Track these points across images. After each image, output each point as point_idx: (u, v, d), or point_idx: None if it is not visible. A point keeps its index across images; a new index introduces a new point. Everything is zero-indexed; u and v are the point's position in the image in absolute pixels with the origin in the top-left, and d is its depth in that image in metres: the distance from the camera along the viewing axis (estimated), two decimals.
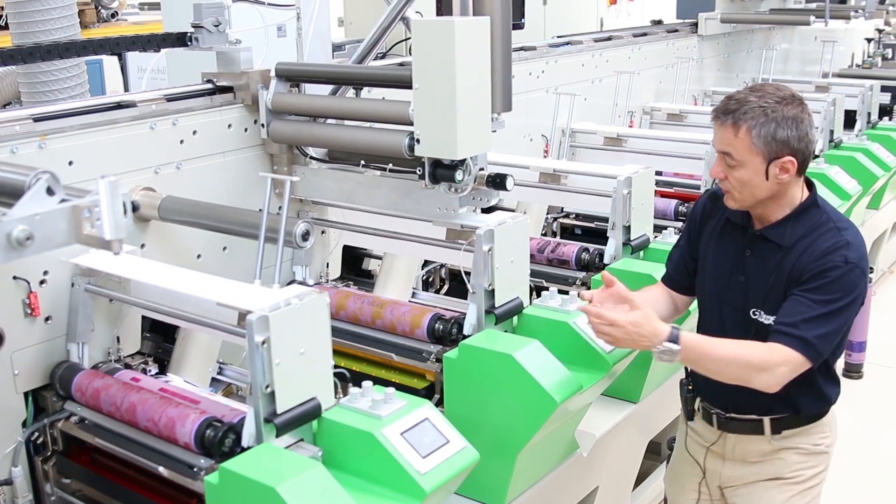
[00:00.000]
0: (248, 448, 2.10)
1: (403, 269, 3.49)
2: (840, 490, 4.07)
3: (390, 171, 2.95)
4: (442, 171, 2.71)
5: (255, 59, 3.22)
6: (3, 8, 4.72)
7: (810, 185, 2.44)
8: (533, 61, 4.66)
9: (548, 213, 4.43)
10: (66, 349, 2.62)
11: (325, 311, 2.17)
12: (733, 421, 2.50)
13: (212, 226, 2.77)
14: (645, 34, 5.78)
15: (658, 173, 3.62)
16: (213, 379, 2.81)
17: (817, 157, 5.26)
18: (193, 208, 2.80)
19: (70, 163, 2.63)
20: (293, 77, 3.17)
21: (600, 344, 2.68)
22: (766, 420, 2.45)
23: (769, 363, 2.24)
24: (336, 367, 2.26)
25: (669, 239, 3.55)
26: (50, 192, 1.67)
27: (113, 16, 8.64)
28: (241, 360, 2.73)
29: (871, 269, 5.30)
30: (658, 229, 3.65)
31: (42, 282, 2.56)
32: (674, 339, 2.26)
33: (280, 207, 2.64)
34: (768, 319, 2.34)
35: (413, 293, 3.55)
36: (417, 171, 2.75)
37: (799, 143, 2.29)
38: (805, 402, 2.43)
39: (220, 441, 2.17)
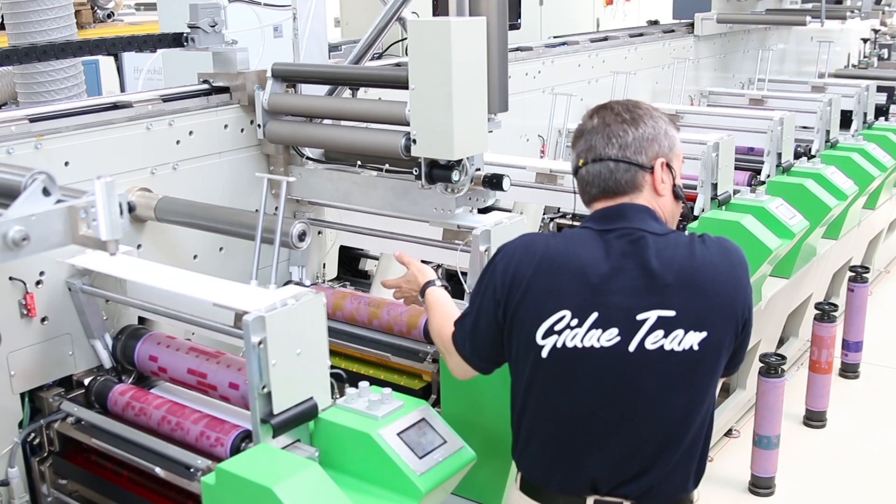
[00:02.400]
0: None
1: (400, 269, 3.49)
2: (838, 490, 4.08)
3: (387, 171, 2.96)
4: (438, 172, 2.71)
5: (251, 59, 3.22)
6: None
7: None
8: (529, 61, 4.66)
9: (544, 214, 4.44)
10: (68, 352, 2.63)
11: (321, 311, 2.17)
12: None
13: (208, 226, 2.77)
14: (641, 34, 5.79)
15: None
16: None
17: (813, 157, 5.27)
18: (190, 209, 2.80)
19: (66, 163, 2.63)
20: (289, 77, 3.17)
21: None
22: None
23: (439, 342, 2.26)
24: (333, 367, 2.26)
25: None
26: (46, 192, 1.66)
27: (109, 16, 8.62)
28: None
29: (867, 269, 5.30)
30: None
31: (38, 282, 2.56)
32: (422, 291, 2.41)
33: (276, 208, 2.64)
34: None
35: None
36: (414, 172, 2.75)
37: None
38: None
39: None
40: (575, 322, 1.90)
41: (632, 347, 1.89)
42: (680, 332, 1.89)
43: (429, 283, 2.41)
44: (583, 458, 1.99)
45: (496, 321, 2.02)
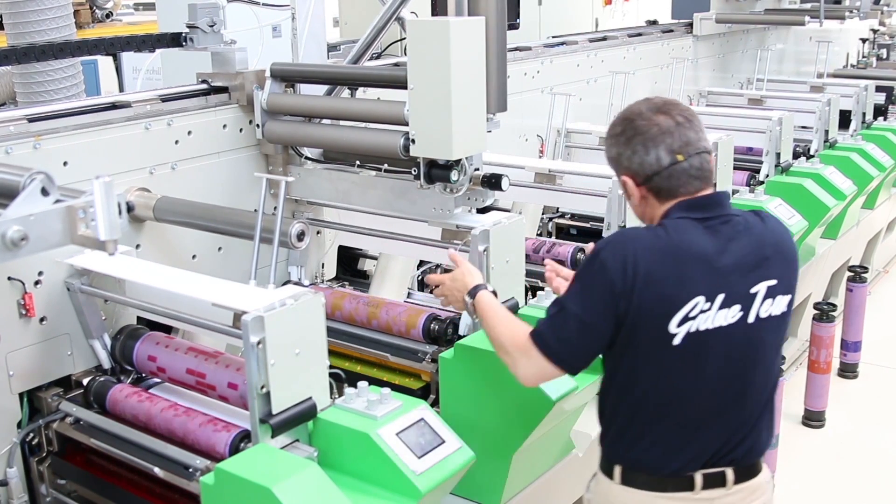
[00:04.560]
0: None
1: (399, 269, 3.50)
2: (836, 489, 4.08)
3: (385, 171, 2.96)
4: (437, 172, 2.71)
5: (250, 59, 3.22)
6: None
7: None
8: (528, 61, 4.66)
9: (543, 214, 4.44)
10: (66, 352, 2.63)
11: (320, 311, 2.17)
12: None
13: (207, 226, 2.77)
14: (640, 34, 5.79)
15: None
16: None
17: (812, 157, 5.27)
18: (189, 209, 2.80)
19: (65, 163, 2.63)
20: (288, 77, 3.17)
21: None
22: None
23: (510, 346, 2.12)
24: (331, 367, 2.26)
25: None
26: (45, 192, 1.67)
27: (108, 16, 8.60)
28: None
29: (866, 268, 5.30)
30: None
31: (37, 282, 2.56)
32: (472, 294, 2.28)
33: (275, 208, 2.64)
34: None
35: (408, 293, 3.55)
36: (413, 172, 2.75)
37: (629, 162, 2.10)
38: None
39: None
40: (707, 306, 2.01)
41: (750, 319, 2.06)
42: (779, 297, 2.10)
43: (479, 287, 2.31)
44: (705, 435, 2.10)
45: (611, 317, 2.02)
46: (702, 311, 2.00)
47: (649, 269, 1.99)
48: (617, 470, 2.15)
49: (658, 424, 2.10)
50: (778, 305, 2.09)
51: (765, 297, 2.07)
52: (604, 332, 2.03)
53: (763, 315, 2.07)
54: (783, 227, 2.20)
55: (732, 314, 2.04)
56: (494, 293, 2.31)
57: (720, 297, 2.01)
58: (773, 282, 2.08)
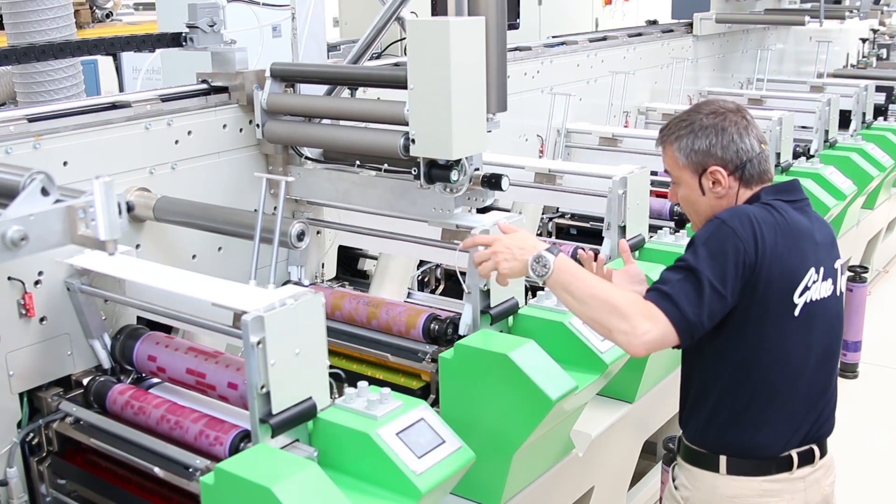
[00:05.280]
0: None
1: (399, 269, 3.50)
2: (836, 489, 4.08)
3: (385, 171, 2.95)
4: (437, 172, 2.71)
5: (250, 59, 3.21)
6: None
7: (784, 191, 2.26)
8: (528, 61, 4.66)
9: (543, 214, 4.44)
10: (66, 351, 2.63)
11: (320, 311, 2.17)
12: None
13: (207, 226, 2.77)
14: (640, 34, 5.79)
15: (653, 173, 3.63)
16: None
17: (812, 157, 5.27)
18: (189, 209, 2.80)
19: (65, 163, 2.63)
20: (288, 77, 3.17)
21: (596, 344, 2.68)
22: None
23: (630, 308, 1.99)
24: (331, 367, 2.26)
25: (665, 239, 3.55)
26: (44, 192, 1.66)
27: (108, 16, 8.60)
28: None
29: (866, 268, 5.31)
30: (653, 229, 3.65)
31: (37, 282, 2.55)
32: (537, 257, 2.09)
33: (275, 208, 2.64)
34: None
35: (408, 293, 3.55)
36: (413, 172, 2.75)
37: (724, 152, 2.20)
38: None
39: None
40: (817, 277, 2.14)
41: (838, 293, 2.23)
42: (843, 275, 2.27)
43: (550, 250, 2.11)
44: (807, 411, 2.18)
45: (740, 287, 2.05)
46: (813, 283, 2.13)
47: (773, 241, 2.08)
48: (723, 461, 2.17)
49: (774, 402, 2.14)
50: (843, 281, 2.27)
51: (840, 273, 2.24)
52: (730, 303, 2.04)
53: (841, 289, 2.24)
54: None
55: (827, 287, 2.17)
56: None
57: (821, 270, 2.15)
58: (842, 260, 2.26)
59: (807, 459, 2.19)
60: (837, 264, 2.24)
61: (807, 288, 2.12)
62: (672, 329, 1.99)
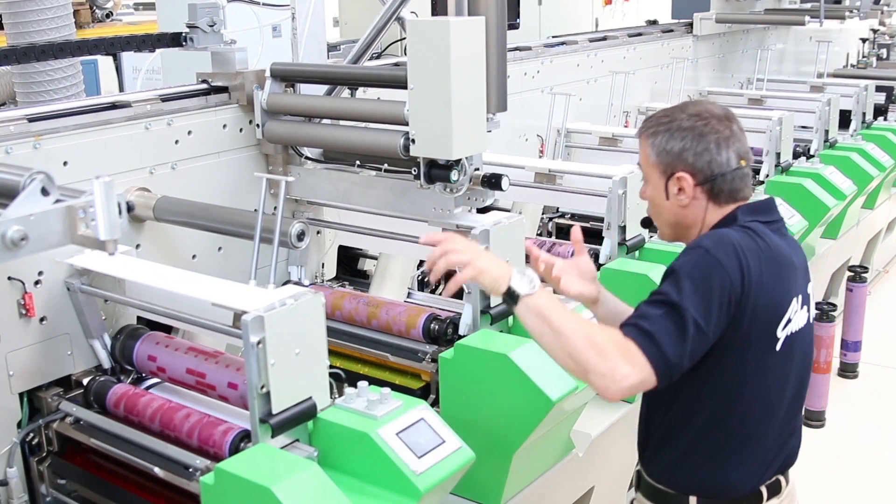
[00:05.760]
0: None
1: (399, 269, 3.50)
2: (835, 489, 4.08)
3: (385, 171, 2.96)
4: (437, 172, 2.71)
5: (250, 59, 3.21)
6: None
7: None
8: (528, 61, 4.66)
9: (543, 213, 4.44)
10: (66, 351, 2.63)
11: (320, 311, 2.17)
12: None
13: (207, 226, 2.77)
14: (640, 34, 5.79)
15: None
16: None
17: (812, 156, 5.27)
18: (189, 209, 2.80)
19: (65, 163, 2.63)
20: (288, 77, 3.17)
21: None
22: None
23: (611, 348, 1.81)
24: (331, 367, 2.26)
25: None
26: (45, 192, 1.67)
27: (108, 16, 8.60)
28: None
29: (866, 268, 5.31)
30: (653, 229, 3.64)
31: (37, 282, 2.55)
32: (508, 292, 1.93)
33: (275, 207, 2.64)
34: None
35: (408, 293, 3.55)
36: (413, 172, 2.75)
37: (696, 159, 2.01)
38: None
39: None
40: (797, 307, 2.04)
41: (811, 319, 2.13)
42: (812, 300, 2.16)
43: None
44: (781, 445, 2.10)
45: (724, 323, 1.90)
46: (795, 313, 2.02)
47: (759, 271, 1.93)
48: (693, 501, 2.06)
49: (751, 440, 2.02)
50: (814, 307, 2.16)
51: (810, 301, 2.11)
52: (711, 340, 1.88)
53: (811, 317, 2.12)
54: None
55: (804, 316, 2.07)
56: None
57: (800, 299, 2.04)
58: (812, 283, 2.14)
59: (774, 491, 2.09)
60: (810, 288, 2.11)
61: (789, 321, 1.99)
62: (652, 372, 1.82)
